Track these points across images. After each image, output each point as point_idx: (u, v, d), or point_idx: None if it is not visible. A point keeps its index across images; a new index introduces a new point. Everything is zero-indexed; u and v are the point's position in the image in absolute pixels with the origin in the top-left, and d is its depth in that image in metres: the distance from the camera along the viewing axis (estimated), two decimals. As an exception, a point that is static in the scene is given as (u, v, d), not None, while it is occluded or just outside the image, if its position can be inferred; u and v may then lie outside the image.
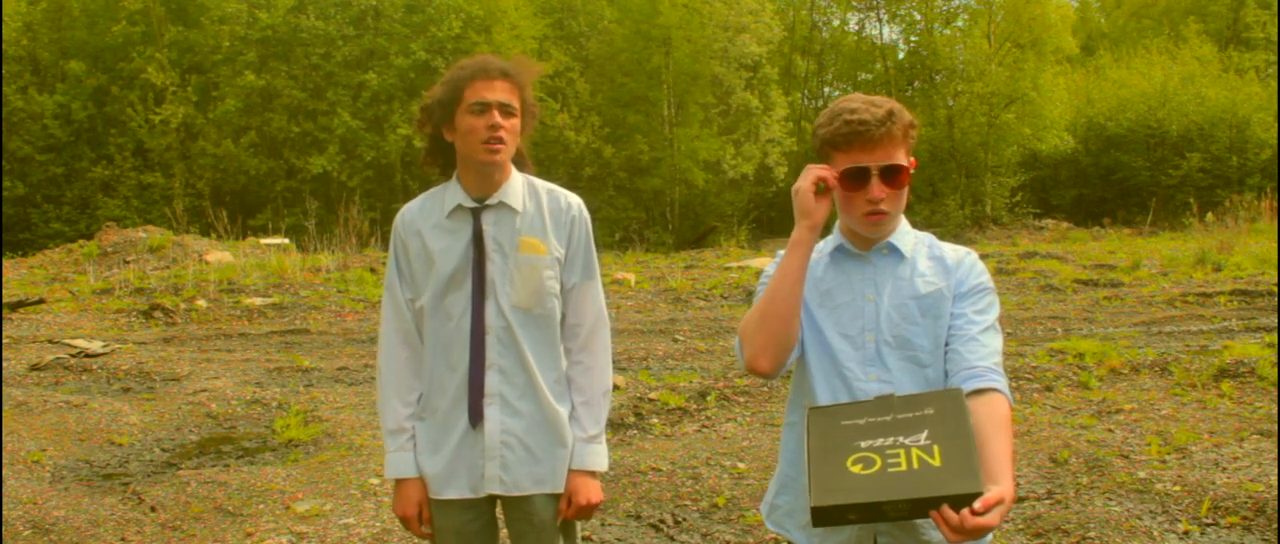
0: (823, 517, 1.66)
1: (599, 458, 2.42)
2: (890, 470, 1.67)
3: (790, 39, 33.45)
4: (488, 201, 2.37)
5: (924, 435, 1.72)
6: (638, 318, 10.51)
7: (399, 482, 2.42)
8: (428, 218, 2.42)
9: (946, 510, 1.60)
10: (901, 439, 1.72)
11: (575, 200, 2.45)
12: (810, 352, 2.07)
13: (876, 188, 1.95)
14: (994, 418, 1.85)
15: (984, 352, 1.96)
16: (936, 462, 1.66)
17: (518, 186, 2.41)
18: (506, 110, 2.30)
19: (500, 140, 2.30)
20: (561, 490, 2.41)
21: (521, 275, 2.36)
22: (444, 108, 2.33)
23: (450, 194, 2.40)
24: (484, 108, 2.28)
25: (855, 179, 1.96)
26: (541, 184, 2.46)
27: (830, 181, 1.98)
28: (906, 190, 2.03)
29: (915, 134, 2.02)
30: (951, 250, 2.10)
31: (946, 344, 2.01)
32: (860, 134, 1.94)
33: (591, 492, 2.40)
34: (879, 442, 1.72)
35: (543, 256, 2.37)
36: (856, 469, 1.69)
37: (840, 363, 2.03)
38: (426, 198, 2.47)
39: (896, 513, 1.65)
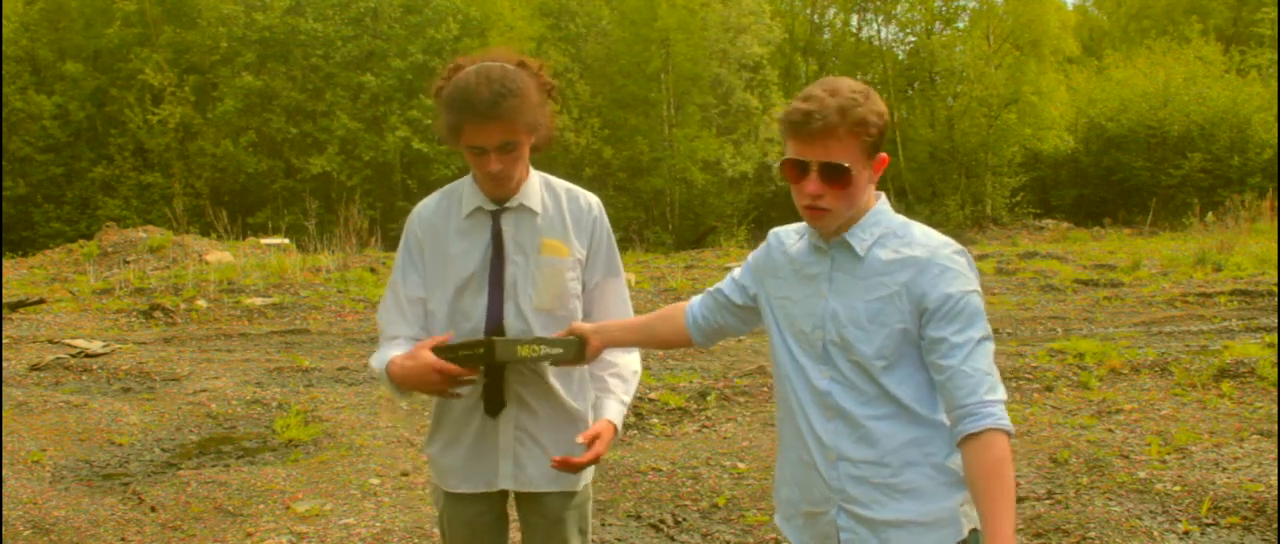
0: (503, 350, 2.18)
1: (620, 419, 2.40)
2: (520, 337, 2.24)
3: (791, 40, 33.45)
4: (506, 203, 2.34)
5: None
6: (638, 318, 10.50)
7: (389, 366, 2.28)
8: (446, 218, 2.37)
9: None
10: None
11: (595, 201, 2.43)
12: (776, 343, 2.04)
13: (813, 183, 1.84)
14: (987, 466, 1.76)
15: (972, 383, 1.81)
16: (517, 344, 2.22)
17: (536, 187, 2.37)
18: (506, 148, 2.22)
19: (502, 178, 2.27)
20: (575, 489, 2.41)
21: (544, 277, 2.33)
22: (448, 133, 2.26)
23: (468, 195, 2.36)
24: (481, 152, 2.22)
25: (796, 171, 1.87)
26: (560, 184, 2.42)
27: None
28: (853, 191, 1.87)
29: (877, 133, 1.86)
30: (923, 246, 1.90)
31: (932, 371, 1.87)
32: (802, 126, 1.83)
33: (606, 443, 2.34)
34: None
35: (565, 259, 2.35)
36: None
37: (800, 358, 1.98)
38: (443, 195, 2.42)
39: (543, 350, 2.19)
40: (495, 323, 2.32)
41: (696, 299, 2.26)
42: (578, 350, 2.26)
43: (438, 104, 2.29)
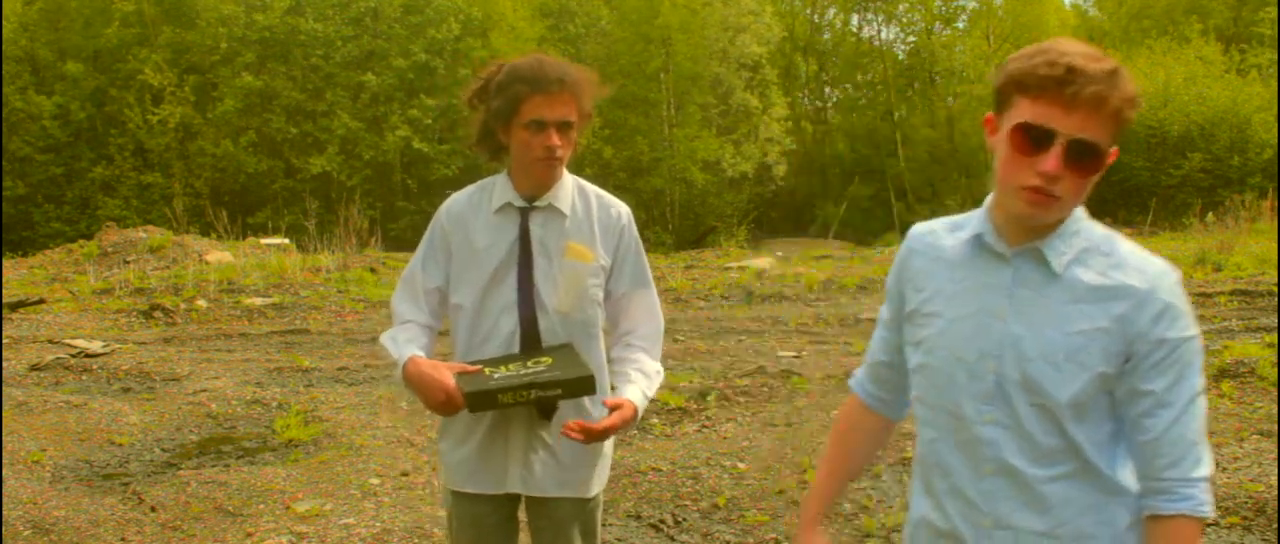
0: (475, 401, 2.19)
1: (641, 402, 2.31)
2: (523, 373, 2.21)
3: (790, 39, 33.46)
4: (537, 203, 2.34)
5: (545, 362, 2.27)
6: (638, 318, 10.48)
7: (408, 364, 2.27)
8: (475, 212, 2.37)
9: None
10: (527, 364, 2.26)
11: (625, 210, 2.42)
12: (916, 374, 1.64)
13: (1053, 160, 1.42)
14: None
15: (1177, 453, 1.47)
16: (549, 360, 2.25)
17: (568, 189, 2.38)
18: (565, 126, 2.25)
19: (557, 159, 2.27)
20: (586, 495, 2.40)
21: (565, 280, 2.33)
22: (500, 117, 2.27)
23: (499, 190, 2.36)
24: (541, 126, 2.23)
25: (1034, 141, 1.43)
26: (591, 189, 2.42)
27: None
28: (1090, 183, 1.48)
29: (1131, 115, 1.46)
30: (1140, 272, 1.51)
31: (1130, 429, 1.52)
32: (1063, 85, 1.40)
33: (623, 419, 2.25)
34: (513, 366, 2.26)
35: (588, 264, 2.34)
36: (497, 371, 2.24)
37: (951, 394, 1.57)
38: (475, 191, 2.43)
39: (535, 394, 2.18)
40: (528, 324, 2.32)
41: (859, 383, 1.87)
42: (581, 387, 2.23)
43: (483, 94, 2.30)
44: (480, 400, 2.20)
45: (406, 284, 2.44)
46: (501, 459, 2.36)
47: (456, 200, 2.43)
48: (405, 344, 2.33)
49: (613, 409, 2.24)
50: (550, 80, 2.21)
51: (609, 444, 2.46)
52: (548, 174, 2.31)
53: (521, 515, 2.51)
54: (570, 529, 2.40)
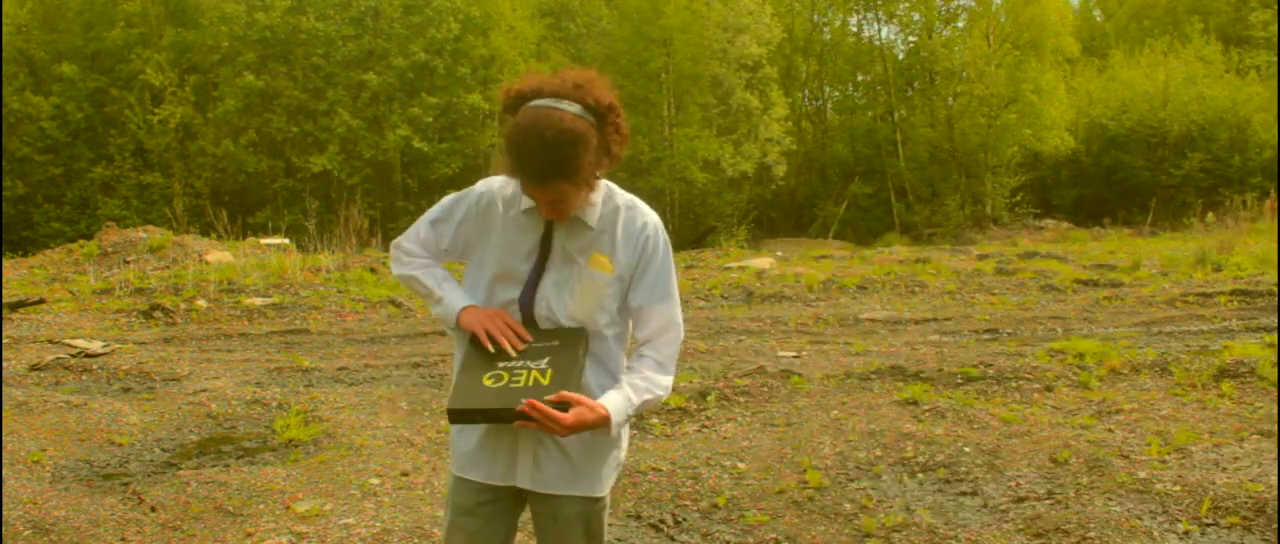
0: (457, 417, 2.18)
1: (617, 413, 2.24)
2: (511, 386, 2.15)
3: (790, 39, 33.44)
4: None
5: (545, 362, 2.20)
6: (638, 318, 10.46)
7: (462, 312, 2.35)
8: (508, 205, 2.38)
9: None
10: (528, 363, 2.21)
11: (653, 220, 2.37)
12: None
13: None
14: None
15: None
16: (546, 381, 2.15)
17: (596, 198, 2.34)
18: (557, 200, 2.23)
19: (560, 215, 2.28)
20: (595, 494, 2.39)
21: (583, 288, 2.32)
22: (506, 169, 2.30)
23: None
24: (536, 199, 2.26)
25: None
26: (623, 198, 2.39)
27: None
28: None
29: None
30: None
31: None
32: None
33: (579, 418, 2.16)
34: (513, 364, 2.21)
35: (607, 275, 2.33)
36: (488, 382, 2.18)
37: None
38: (516, 186, 2.39)
39: (511, 416, 2.11)
40: (526, 315, 2.34)
41: None
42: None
43: (502, 128, 2.32)
44: (456, 417, 2.23)
45: (423, 225, 2.46)
46: (510, 452, 2.36)
47: (506, 184, 2.39)
48: (444, 282, 2.41)
49: (583, 407, 2.19)
50: (529, 177, 2.18)
51: (621, 446, 2.46)
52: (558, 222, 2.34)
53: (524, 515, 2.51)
54: (575, 528, 2.40)
